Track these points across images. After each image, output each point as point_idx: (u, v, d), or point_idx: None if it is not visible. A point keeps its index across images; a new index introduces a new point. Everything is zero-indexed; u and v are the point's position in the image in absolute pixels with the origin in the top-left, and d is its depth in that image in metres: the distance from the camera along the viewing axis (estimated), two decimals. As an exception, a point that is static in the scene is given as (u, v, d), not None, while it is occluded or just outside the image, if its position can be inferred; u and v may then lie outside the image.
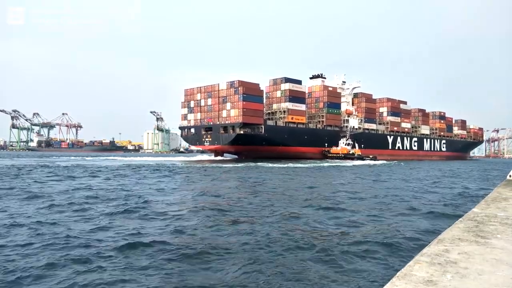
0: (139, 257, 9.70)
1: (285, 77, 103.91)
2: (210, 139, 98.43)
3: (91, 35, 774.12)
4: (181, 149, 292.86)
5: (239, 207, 18.02)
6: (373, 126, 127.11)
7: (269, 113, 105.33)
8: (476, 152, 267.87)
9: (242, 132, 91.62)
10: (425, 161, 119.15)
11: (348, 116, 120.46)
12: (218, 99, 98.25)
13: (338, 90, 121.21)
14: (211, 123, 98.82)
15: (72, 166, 55.19)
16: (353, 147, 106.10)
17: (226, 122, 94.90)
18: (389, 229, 13.35)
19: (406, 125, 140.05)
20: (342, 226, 13.77)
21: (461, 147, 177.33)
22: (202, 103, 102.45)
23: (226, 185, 29.51)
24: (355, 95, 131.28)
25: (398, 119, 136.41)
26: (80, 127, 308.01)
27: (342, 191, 26.02)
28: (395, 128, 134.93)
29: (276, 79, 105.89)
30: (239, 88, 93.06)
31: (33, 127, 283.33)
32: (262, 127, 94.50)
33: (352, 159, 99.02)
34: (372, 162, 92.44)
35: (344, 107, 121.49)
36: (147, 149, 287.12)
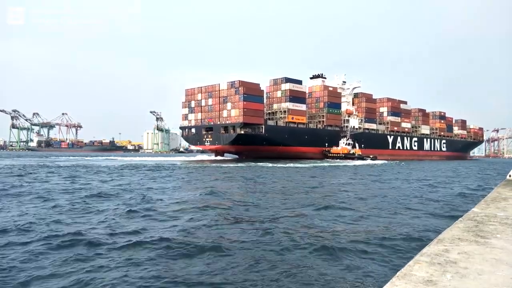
0: (141, 256, 9.72)
1: (285, 77, 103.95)
2: (211, 139, 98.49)
3: (91, 35, 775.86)
4: (181, 149, 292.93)
5: (241, 207, 18.05)
6: (373, 126, 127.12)
7: (269, 113, 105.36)
8: (476, 152, 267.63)
9: (242, 132, 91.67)
10: (425, 161, 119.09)
11: (349, 116, 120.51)
12: (219, 99, 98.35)
13: (339, 90, 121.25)
14: (212, 123, 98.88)
15: (73, 166, 55.20)
16: (354, 147, 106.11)
17: (227, 122, 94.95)
18: (389, 228, 13.36)
19: (406, 125, 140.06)
20: (343, 225, 13.77)
21: (461, 147, 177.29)
22: (203, 103, 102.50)
23: (229, 184, 29.51)
24: (356, 95, 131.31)
25: (398, 119, 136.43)
26: (80, 127, 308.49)
27: (343, 191, 26.03)
28: (395, 128, 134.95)
29: (277, 79, 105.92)
30: (240, 88, 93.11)
31: (33, 127, 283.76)
32: (262, 127, 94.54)
33: (353, 159, 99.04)
34: (373, 162, 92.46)
35: (344, 107, 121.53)
36: (147, 149, 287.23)
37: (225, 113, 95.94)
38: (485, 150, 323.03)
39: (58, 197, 20.65)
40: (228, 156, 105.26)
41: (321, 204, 18.83)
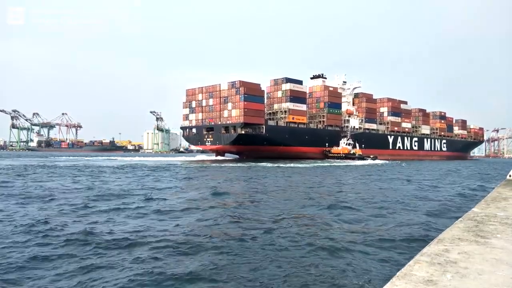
0: (148, 254, 9.75)
1: (286, 77, 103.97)
2: (212, 139, 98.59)
3: (91, 35, 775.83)
4: (181, 149, 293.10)
5: (245, 206, 18.10)
6: (373, 126, 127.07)
7: (270, 113, 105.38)
8: (476, 152, 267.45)
9: (243, 132, 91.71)
10: (425, 161, 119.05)
11: (349, 116, 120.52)
12: (220, 99, 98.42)
13: (339, 90, 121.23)
14: (213, 123, 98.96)
15: (73, 166, 55.24)
16: (354, 147, 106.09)
17: (228, 122, 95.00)
18: (390, 228, 13.37)
19: (406, 125, 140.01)
20: (344, 225, 13.78)
21: (461, 147, 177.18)
22: (204, 103, 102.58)
23: (231, 184, 29.53)
24: (356, 95, 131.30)
25: (398, 119, 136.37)
26: (80, 127, 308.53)
27: (345, 191, 26.04)
28: (396, 128, 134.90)
29: (277, 79, 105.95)
30: (240, 89, 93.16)
31: (33, 127, 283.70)
32: (263, 127, 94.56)
33: (353, 159, 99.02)
34: (373, 162, 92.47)
35: (344, 107, 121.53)
36: (147, 149, 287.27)
37: (225, 113, 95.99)
38: (485, 150, 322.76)
39: (65, 198, 20.66)
40: (228, 156, 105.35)
41: (322, 204, 18.84)
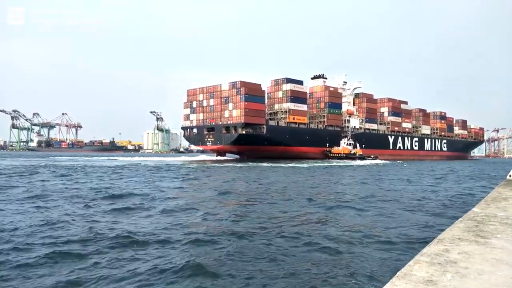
0: (149, 253, 9.78)
1: (286, 78, 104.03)
2: (212, 139, 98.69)
3: (91, 35, 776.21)
4: (181, 149, 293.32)
5: (247, 206, 18.14)
6: (374, 126, 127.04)
7: (270, 113, 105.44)
8: (476, 152, 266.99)
9: (244, 132, 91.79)
10: (426, 161, 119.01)
11: (349, 116, 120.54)
12: (220, 100, 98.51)
13: (339, 90, 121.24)
14: (213, 123, 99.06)
15: (74, 166, 55.28)
16: (355, 147, 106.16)
17: (228, 122, 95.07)
18: (390, 228, 13.37)
19: (407, 125, 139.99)
20: (344, 225, 13.79)
21: (462, 147, 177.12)
22: (205, 104, 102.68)
23: (232, 184, 29.54)
24: (356, 95, 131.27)
25: (399, 119, 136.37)
26: (80, 127, 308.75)
27: (345, 190, 26.05)
28: (396, 128, 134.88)
29: (278, 79, 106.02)
30: (241, 89, 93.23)
31: (33, 127, 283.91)
32: (264, 127, 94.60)
33: (354, 159, 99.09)
34: (374, 162, 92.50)
35: (345, 107, 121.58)
36: (147, 149, 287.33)
37: (226, 113, 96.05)
38: (485, 150, 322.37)
39: (65, 198, 20.68)
40: (229, 156, 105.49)
41: (323, 204, 18.86)
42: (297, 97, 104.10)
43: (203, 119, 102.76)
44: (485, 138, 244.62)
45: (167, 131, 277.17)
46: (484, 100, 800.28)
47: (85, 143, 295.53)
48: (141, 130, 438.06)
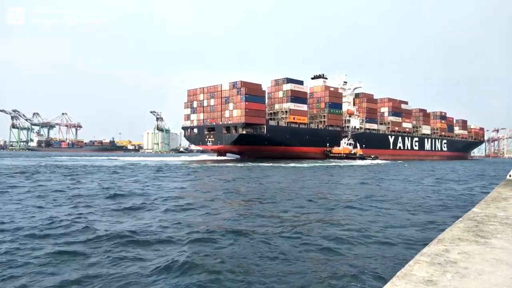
0: (151, 253, 9.81)
1: (287, 78, 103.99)
2: (213, 139, 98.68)
3: (91, 35, 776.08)
4: (181, 149, 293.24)
5: (250, 205, 18.16)
6: (374, 126, 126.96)
7: (271, 113, 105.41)
8: (476, 152, 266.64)
9: (244, 132, 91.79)
10: (426, 161, 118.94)
11: (350, 116, 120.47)
12: (221, 100, 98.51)
13: (340, 91, 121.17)
14: (214, 123, 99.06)
15: (74, 166, 55.28)
16: (355, 147, 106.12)
17: (229, 122, 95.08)
18: (390, 228, 13.38)
19: (407, 125, 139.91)
20: (345, 224, 13.80)
21: (462, 147, 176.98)
22: (205, 104, 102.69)
23: (234, 184, 29.55)
24: (357, 95, 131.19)
25: (399, 119, 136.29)
26: (80, 127, 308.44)
27: (346, 190, 26.05)
28: (396, 128, 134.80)
29: (278, 79, 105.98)
30: (242, 89, 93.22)
31: (33, 127, 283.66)
32: (264, 127, 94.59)
33: (354, 159, 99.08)
34: (374, 162, 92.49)
35: (345, 107, 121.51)
36: (147, 149, 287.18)
37: (227, 113, 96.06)
38: (485, 150, 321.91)
39: (68, 198, 20.70)
40: (230, 156, 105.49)
41: (324, 204, 18.88)
42: (298, 97, 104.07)
43: (203, 119, 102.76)
44: (485, 138, 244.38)
45: (167, 131, 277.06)
46: (484, 100, 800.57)
47: (85, 143, 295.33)
48: (141, 130, 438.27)
